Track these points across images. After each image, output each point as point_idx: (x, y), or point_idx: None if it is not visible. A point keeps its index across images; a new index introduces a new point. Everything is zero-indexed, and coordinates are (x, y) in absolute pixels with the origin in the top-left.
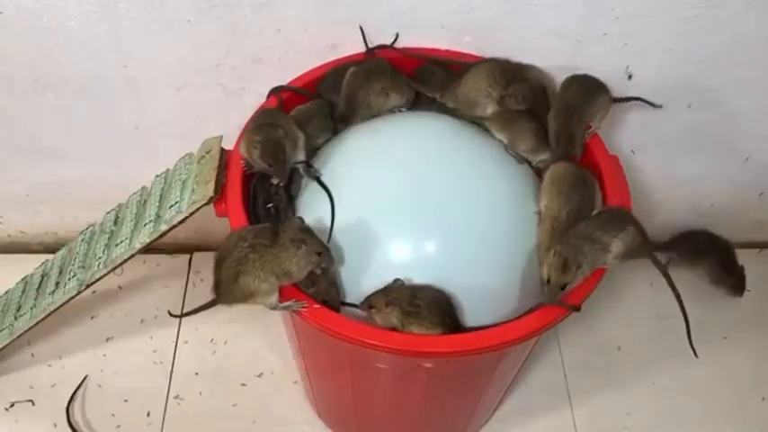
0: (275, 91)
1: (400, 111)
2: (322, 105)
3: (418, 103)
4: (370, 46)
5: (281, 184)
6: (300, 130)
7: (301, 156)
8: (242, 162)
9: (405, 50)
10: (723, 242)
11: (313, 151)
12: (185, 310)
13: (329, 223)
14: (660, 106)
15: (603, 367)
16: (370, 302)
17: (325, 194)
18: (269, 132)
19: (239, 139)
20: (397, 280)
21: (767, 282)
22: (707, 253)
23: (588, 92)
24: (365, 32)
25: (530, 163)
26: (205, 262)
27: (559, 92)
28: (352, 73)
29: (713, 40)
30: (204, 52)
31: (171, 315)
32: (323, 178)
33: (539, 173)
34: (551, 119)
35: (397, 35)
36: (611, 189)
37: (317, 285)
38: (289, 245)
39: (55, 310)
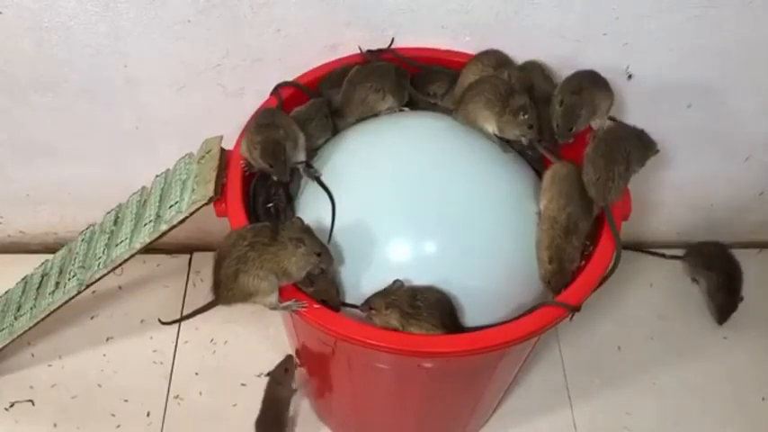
0: (280, 86)
1: (401, 110)
2: (321, 105)
3: (418, 103)
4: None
5: (282, 182)
6: (301, 131)
7: (302, 156)
8: (242, 162)
9: (401, 54)
10: (734, 261)
11: (313, 151)
12: (186, 310)
13: (329, 223)
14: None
15: (603, 367)
16: (370, 304)
17: (325, 194)
18: (269, 132)
19: (239, 138)
20: (396, 281)
21: (767, 282)
22: (714, 264)
23: (593, 83)
24: (364, 31)
25: (512, 145)
26: (205, 262)
27: (563, 86)
28: (356, 69)
29: (713, 40)
30: (204, 52)
31: (162, 323)
32: (323, 178)
33: (538, 172)
34: (557, 114)
35: (393, 39)
36: None
37: (316, 285)
38: (288, 244)
39: (55, 310)
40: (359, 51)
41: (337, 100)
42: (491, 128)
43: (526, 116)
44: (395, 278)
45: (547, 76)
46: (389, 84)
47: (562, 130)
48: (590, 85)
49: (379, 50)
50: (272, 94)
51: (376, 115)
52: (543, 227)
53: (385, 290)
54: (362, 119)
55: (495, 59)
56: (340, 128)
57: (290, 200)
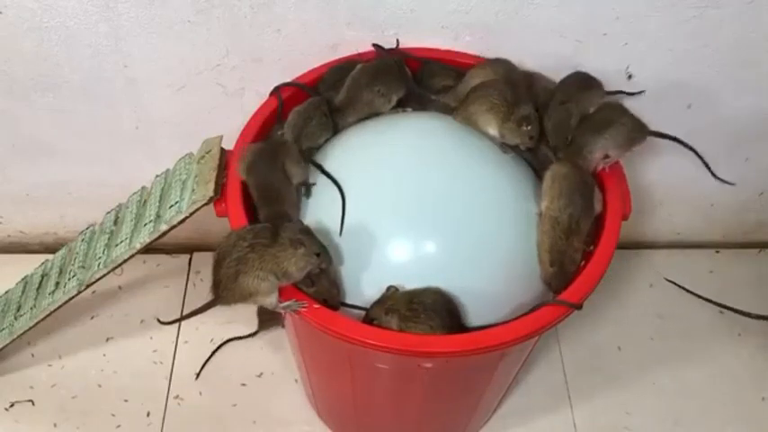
0: (280, 87)
1: (404, 111)
2: (320, 104)
3: (419, 96)
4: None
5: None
6: (297, 146)
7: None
8: None
9: (400, 52)
10: None
11: (313, 150)
12: (186, 310)
13: (329, 224)
14: (642, 92)
15: (603, 367)
16: (369, 316)
17: (324, 195)
18: (272, 205)
19: (239, 139)
20: (390, 287)
21: (767, 282)
22: None
23: (581, 87)
24: (364, 31)
25: (513, 149)
26: (205, 262)
27: (554, 89)
28: (361, 68)
29: (713, 40)
30: (204, 52)
31: (161, 323)
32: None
33: (538, 173)
34: (549, 116)
35: (398, 41)
36: (611, 190)
37: (317, 285)
38: (288, 245)
39: (55, 310)
40: (361, 37)
41: (339, 99)
42: (492, 131)
43: (529, 128)
44: (395, 278)
45: (548, 89)
46: (396, 86)
47: (558, 143)
48: (576, 91)
49: (386, 50)
50: (271, 94)
51: (377, 114)
52: (544, 228)
53: (381, 298)
54: (363, 117)
55: (504, 69)
56: (340, 126)
57: None
